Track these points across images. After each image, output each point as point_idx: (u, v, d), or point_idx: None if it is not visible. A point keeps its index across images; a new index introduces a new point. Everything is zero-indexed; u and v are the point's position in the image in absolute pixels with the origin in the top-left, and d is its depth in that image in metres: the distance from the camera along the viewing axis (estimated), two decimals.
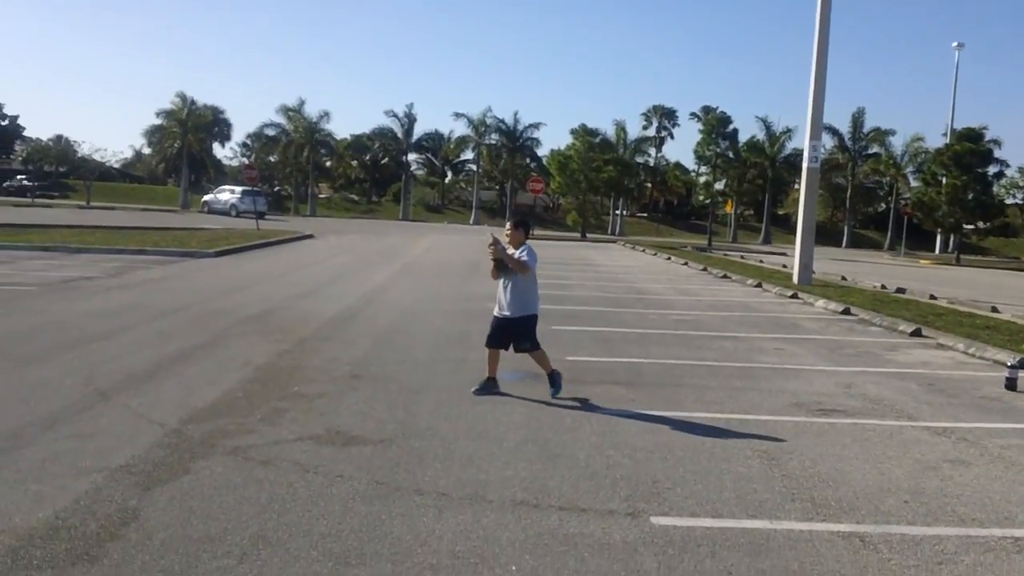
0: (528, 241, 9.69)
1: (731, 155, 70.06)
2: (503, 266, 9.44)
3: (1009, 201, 69.86)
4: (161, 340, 12.05)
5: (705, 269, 32.59)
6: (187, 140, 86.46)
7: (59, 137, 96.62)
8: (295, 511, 5.82)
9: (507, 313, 9.53)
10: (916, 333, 16.12)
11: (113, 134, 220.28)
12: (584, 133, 69.16)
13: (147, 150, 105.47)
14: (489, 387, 9.61)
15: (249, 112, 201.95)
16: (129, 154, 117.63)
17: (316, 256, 30.34)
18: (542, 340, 9.75)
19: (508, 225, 9.74)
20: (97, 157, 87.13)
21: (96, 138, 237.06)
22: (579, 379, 10.57)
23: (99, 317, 13.79)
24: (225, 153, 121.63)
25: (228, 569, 4.91)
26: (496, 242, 9.33)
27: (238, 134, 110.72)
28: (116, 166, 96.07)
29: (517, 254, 9.39)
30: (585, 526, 5.76)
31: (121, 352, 11.07)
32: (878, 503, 6.52)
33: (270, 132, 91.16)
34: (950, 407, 10.13)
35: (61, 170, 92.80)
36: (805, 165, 27.02)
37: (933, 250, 72.86)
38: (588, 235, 65.89)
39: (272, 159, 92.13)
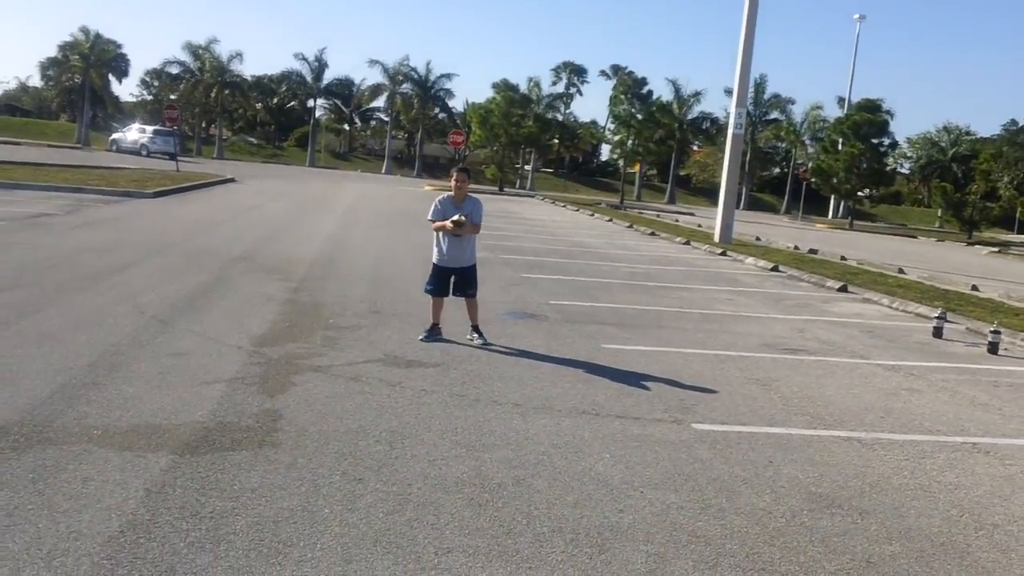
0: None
1: (641, 116, 71.86)
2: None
3: (899, 171, 73.68)
4: (172, 276, 13.01)
5: (631, 226, 34.33)
6: (88, 75, 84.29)
7: None
8: (408, 415, 7.13)
9: (455, 264, 10.07)
10: (843, 289, 18.07)
11: None
12: (505, 88, 69.98)
13: (35, 83, 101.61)
14: (434, 333, 10.07)
15: (144, 47, 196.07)
16: (12, 85, 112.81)
17: (251, 201, 31.00)
18: (516, 285, 11.00)
19: (455, 174, 10.04)
20: None
21: None
22: (574, 320, 12.06)
23: (96, 253, 14.58)
24: (130, 90, 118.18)
25: (385, 452, 6.19)
26: (462, 224, 9.88)
27: (135, 70, 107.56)
28: None
29: (469, 211, 9.99)
30: (644, 429, 7.23)
31: (146, 286, 11.99)
32: (861, 418, 8.18)
33: (173, 70, 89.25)
34: (892, 349, 11.96)
35: None
36: (730, 131, 28.89)
37: (827, 215, 76.27)
38: (504, 189, 67.07)
39: (172, 97, 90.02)
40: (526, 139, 70.13)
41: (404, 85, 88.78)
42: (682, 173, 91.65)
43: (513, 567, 4.61)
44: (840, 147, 63.64)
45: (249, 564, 4.41)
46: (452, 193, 10.10)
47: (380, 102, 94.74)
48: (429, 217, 10.14)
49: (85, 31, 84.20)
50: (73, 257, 13.93)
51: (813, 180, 66.83)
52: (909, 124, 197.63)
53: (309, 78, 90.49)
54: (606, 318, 12.44)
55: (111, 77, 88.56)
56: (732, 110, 28.95)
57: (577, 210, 45.59)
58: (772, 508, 5.70)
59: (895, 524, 5.62)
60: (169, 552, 4.46)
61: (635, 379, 8.92)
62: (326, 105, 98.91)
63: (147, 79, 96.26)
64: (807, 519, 5.56)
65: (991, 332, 12.29)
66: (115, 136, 69.90)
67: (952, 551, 5.29)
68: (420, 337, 10.00)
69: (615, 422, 7.35)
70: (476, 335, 10.12)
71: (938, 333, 13.01)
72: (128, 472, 5.45)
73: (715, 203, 29.84)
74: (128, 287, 11.77)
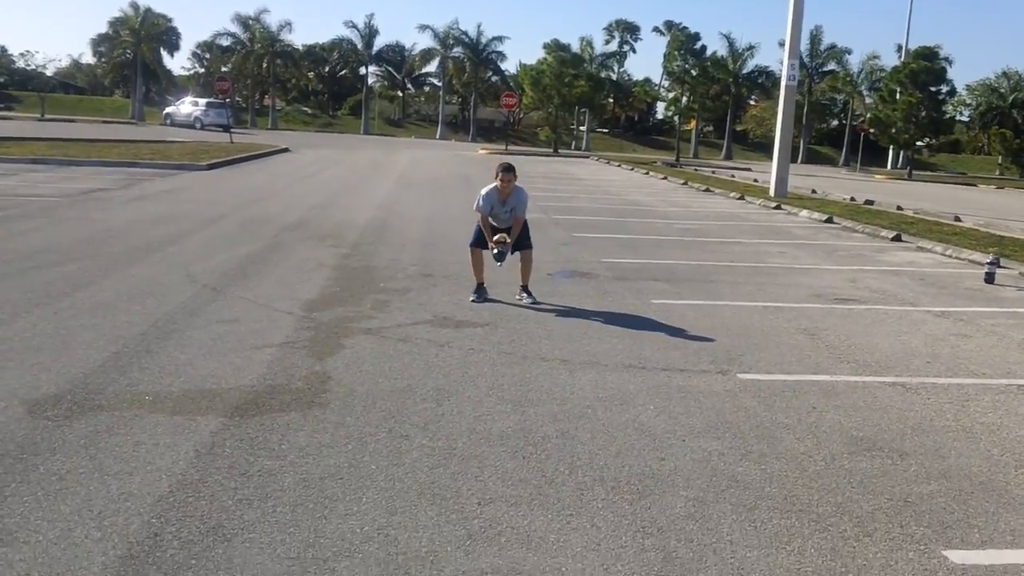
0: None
1: (695, 72, 71.11)
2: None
3: (958, 119, 72.11)
4: (225, 245, 13.23)
5: (686, 183, 34.12)
6: (140, 50, 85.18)
7: None
8: (455, 373, 7.23)
9: (505, 225, 10.20)
10: (896, 238, 17.86)
11: (40, 42, 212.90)
12: (556, 48, 69.28)
13: (88, 59, 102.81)
14: (482, 293, 10.14)
15: (195, 20, 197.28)
16: (65, 63, 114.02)
17: (305, 170, 31.28)
18: (567, 245, 10.98)
19: (500, 174, 9.95)
20: (51, 68, 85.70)
21: (23, 46, 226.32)
22: (624, 276, 12.10)
23: (149, 225, 14.87)
24: (182, 64, 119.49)
25: (432, 409, 6.30)
26: (501, 247, 9.98)
27: (187, 43, 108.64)
28: (49, 74, 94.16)
29: (513, 205, 10.04)
30: (689, 380, 7.28)
31: (199, 255, 12.21)
32: (907, 363, 8.17)
33: (224, 42, 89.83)
34: (943, 296, 11.86)
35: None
36: (784, 83, 28.44)
37: (885, 166, 75.07)
38: (559, 150, 66.78)
39: (224, 69, 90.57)
40: (579, 99, 69.59)
41: (455, 49, 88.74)
42: (739, 128, 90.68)
43: (554, 514, 4.70)
44: (898, 97, 62.28)
45: (296, 519, 4.54)
46: (499, 186, 10.06)
47: (432, 67, 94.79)
48: (475, 208, 10.24)
49: (135, 6, 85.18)
50: (127, 230, 14.21)
51: (871, 131, 65.63)
52: (968, 71, 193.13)
53: (360, 45, 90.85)
54: (657, 274, 12.45)
55: (163, 51, 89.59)
56: (784, 62, 28.47)
57: (632, 169, 45.38)
58: (812, 452, 5.74)
59: (934, 464, 5.63)
60: (217, 509, 4.60)
61: (683, 333, 8.95)
62: (378, 72, 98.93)
63: (199, 52, 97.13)
64: (846, 462, 5.60)
65: None
66: (168, 110, 70.57)
67: (990, 489, 5.30)
68: (471, 299, 10.07)
69: (661, 375, 7.40)
70: (525, 295, 10.18)
71: (990, 279, 12.89)
72: (178, 435, 5.60)
73: (772, 158, 29.45)
74: (181, 257, 11.99)
